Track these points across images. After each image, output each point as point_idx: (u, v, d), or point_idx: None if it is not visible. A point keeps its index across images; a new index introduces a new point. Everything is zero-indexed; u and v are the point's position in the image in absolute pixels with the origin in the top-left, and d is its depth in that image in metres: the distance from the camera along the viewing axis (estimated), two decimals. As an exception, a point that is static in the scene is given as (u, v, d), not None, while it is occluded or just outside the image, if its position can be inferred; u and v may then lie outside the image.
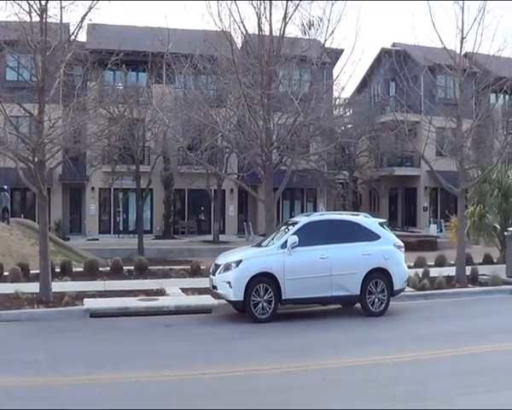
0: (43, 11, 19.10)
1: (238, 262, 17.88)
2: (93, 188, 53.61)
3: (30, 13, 19.14)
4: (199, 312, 18.94)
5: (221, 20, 22.84)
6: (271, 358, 13.76)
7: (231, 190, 56.10)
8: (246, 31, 23.81)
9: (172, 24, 28.71)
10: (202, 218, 57.74)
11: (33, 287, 20.29)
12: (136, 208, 48.29)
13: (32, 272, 23.65)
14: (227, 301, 18.29)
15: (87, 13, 19.79)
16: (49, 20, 19.46)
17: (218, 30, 23.52)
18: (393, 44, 59.95)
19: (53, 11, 19.60)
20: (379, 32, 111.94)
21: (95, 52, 26.73)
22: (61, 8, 19.72)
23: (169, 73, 36.92)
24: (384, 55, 54.80)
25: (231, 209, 56.78)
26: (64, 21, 20.20)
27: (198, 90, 29.79)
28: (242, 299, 17.57)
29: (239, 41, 25.86)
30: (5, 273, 23.63)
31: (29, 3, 19.08)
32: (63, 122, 20.93)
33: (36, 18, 19.24)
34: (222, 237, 51.41)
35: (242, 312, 18.11)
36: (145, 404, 10.57)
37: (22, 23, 19.16)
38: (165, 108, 36.40)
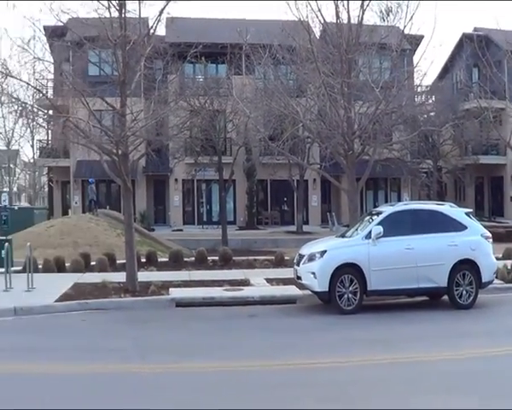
0: (121, 6, 19.36)
1: (322, 253, 17.70)
2: (176, 179, 54.31)
3: (109, 8, 19.43)
4: (283, 302, 18.86)
5: (298, 9, 22.78)
6: (356, 350, 13.58)
7: (314, 180, 55.88)
8: (323, 19, 23.65)
9: (250, 15, 28.72)
10: (285, 208, 57.82)
11: (120, 276, 20.67)
12: (219, 199, 48.66)
13: (118, 261, 24.11)
14: (312, 291, 18.16)
15: (165, 6, 20.02)
16: (127, 14, 19.75)
17: (296, 20, 23.41)
18: (475, 29, 58.47)
19: (131, 6, 19.91)
20: (460, 18, 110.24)
21: (174, 45, 26.85)
22: (140, 2, 20.00)
23: (248, 64, 36.98)
24: (465, 40, 53.82)
25: (314, 199, 56.59)
26: (143, 16, 20.50)
27: (278, 80, 29.74)
28: (327, 290, 17.38)
29: (317, 30, 25.68)
30: (92, 263, 24.23)
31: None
32: (145, 115, 21.15)
33: (115, 13, 19.51)
34: (305, 228, 51.25)
35: (327, 303, 17.93)
36: (227, 394, 10.51)
37: (102, 19, 19.47)
38: (246, 98, 36.44)
